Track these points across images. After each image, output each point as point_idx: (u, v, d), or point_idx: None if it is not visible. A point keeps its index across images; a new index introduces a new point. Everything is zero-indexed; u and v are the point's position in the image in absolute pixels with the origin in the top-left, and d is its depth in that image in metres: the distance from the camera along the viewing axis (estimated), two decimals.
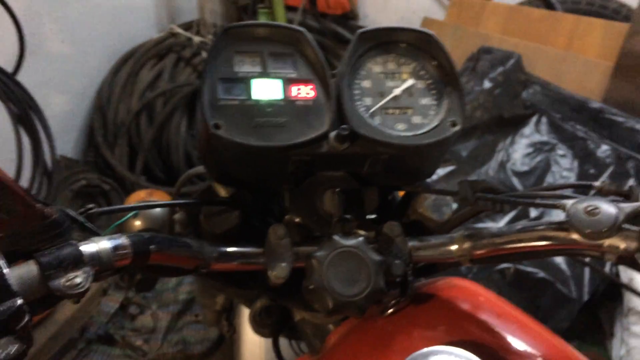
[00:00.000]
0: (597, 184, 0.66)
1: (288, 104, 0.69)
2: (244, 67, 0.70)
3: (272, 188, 0.80)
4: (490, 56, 2.64)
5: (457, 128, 0.71)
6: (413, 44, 0.76)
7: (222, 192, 0.81)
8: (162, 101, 3.04)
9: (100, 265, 0.53)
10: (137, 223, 0.84)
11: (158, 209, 0.83)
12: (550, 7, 3.10)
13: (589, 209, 0.59)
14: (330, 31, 3.56)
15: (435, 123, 0.72)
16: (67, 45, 2.89)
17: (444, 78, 0.75)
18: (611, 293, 2.08)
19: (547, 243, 0.65)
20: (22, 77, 2.10)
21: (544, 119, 2.48)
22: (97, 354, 2.24)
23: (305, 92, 0.70)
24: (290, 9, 3.47)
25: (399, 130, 0.71)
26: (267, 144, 0.66)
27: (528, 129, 2.48)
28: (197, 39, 3.21)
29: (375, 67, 0.74)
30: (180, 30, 3.26)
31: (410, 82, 0.74)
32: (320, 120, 0.69)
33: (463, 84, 2.57)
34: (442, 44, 0.75)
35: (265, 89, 0.69)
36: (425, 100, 0.74)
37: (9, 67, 2.06)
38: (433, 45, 0.75)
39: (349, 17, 3.68)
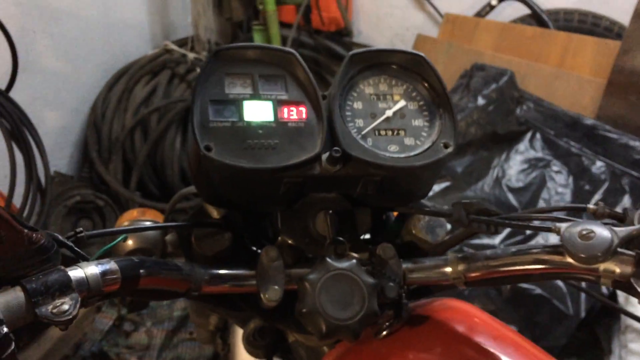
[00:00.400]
0: (591, 206, 0.66)
1: (279, 126, 0.69)
2: (235, 89, 0.69)
3: (264, 210, 0.79)
4: (483, 73, 2.65)
5: (449, 149, 0.71)
6: (404, 66, 0.75)
7: (214, 213, 0.80)
8: (157, 117, 3.03)
9: (88, 290, 0.52)
10: (130, 242, 0.83)
11: None
12: (542, 24, 3.12)
13: (584, 232, 0.58)
14: (325, 48, 3.57)
15: (427, 144, 0.72)
16: (62, 62, 2.89)
17: (436, 100, 0.74)
18: (608, 310, 2.08)
19: (541, 266, 0.65)
20: (16, 94, 2.09)
21: (538, 135, 2.49)
22: None
23: (296, 113, 0.70)
24: (284, 25, 3.49)
25: (392, 151, 0.71)
26: (259, 166, 0.66)
27: (523, 145, 2.49)
28: (191, 55, 3.22)
29: (366, 88, 0.74)
30: (174, 47, 3.27)
31: (402, 103, 0.74)
32: (312, 142, 0.68)
33: (457, 101, 2.58)
34: (433, 65, 0.75)
35: (257, 111, 0.68)
36: (418, 122, 0.73)
37: (2, 84, 2.06)
38: (424, 66, 0.75)
39: (343, 34, 3.70)
